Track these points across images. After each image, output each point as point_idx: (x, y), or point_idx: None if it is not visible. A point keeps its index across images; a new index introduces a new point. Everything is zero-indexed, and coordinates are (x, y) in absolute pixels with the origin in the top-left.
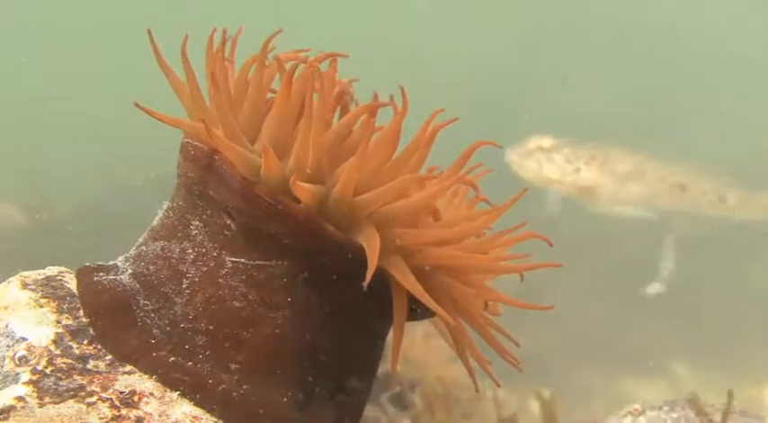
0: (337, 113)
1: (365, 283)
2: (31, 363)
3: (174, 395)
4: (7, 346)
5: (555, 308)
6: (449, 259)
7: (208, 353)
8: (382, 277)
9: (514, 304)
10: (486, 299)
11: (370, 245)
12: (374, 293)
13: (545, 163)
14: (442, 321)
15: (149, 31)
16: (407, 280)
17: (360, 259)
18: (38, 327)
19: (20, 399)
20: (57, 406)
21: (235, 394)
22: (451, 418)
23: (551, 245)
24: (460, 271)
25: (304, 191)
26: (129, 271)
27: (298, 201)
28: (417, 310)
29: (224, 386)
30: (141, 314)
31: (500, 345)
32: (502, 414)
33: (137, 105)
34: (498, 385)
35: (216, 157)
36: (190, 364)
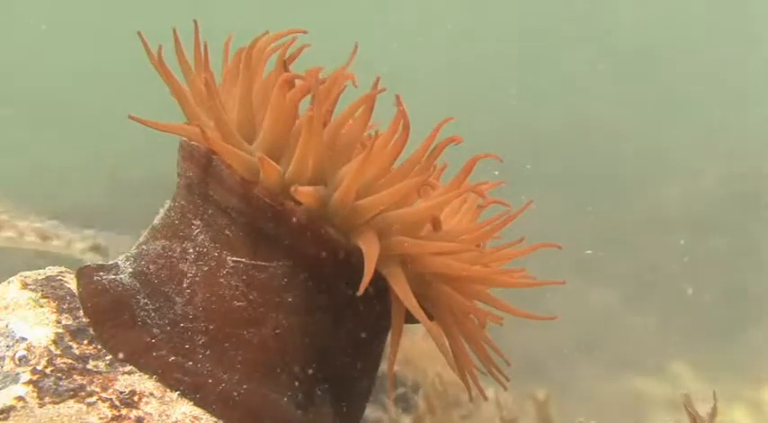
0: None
1: (358, 293)
2: (30, 363)
3: (174, 395)
4: (7, 346)
5: (558, 317)
6: (447, 269)
7: (208, 352)
8: (382, 279)
9: (518, 314)
10: (487, 314)
11: (368, 252)
12: (374, 295)
13: None
14: (431, 335)
15: (140, 34)
16: (402, 290)
17: (360, 263)
18: (38, 327)
19: (20, 399)
20: (57, 406)
21: (235, 394)
22: (451, 418)
23: (559, 247)
24: (459, 281)
25: (305, 195)
26: (130, 270)
27: (298, 202)
28: None
29: (224, 386)
30: (141, 314)
31: (491, 361)
32: (504, 416)
33: (131, 118)
34: (485, 399)
35: (214, 158)
36: (190, 363)
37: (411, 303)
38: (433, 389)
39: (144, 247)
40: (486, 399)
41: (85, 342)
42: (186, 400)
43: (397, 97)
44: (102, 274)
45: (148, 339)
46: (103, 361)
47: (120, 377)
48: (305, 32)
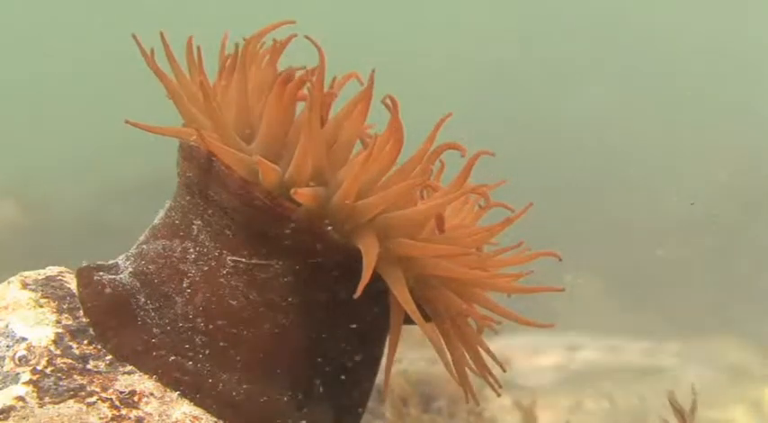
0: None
1: (356, 295)
2: (30, 363)
3: (174, 395)
4: (7, 346)
5: (556, 325)
6: (446, 271)
7: (208, 352)
8: (381, 281)
9: (516, 320)
10: (485, 318)
11: (367, 253)
12: (373, 296)
13: None
14: (427, 337)
15: (134, 36)
16: (400, 292)
17: (359, 264)
18: (38, 327)
19: (20, 399)
20: (57, 406)
21: (234, 394)
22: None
23: (560, 259)
24: (458, 283)
25: (305, 197)
26: (130, 269)
27: (298, 202)
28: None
29: (224, 386)
30: (141, 313)
31: (485, 367)
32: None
33: (128, 122)
34: (477, 404)
35: (213, 158)
36: (190, 363)
37: (409, 305)
38: (399, 391)
39: (144, 246)
40: (478, 404)
41: (85, 342)
42: (186, 400)
43: (392, 99)
44: (101, 273)
45: (148, 339)
46: (103, 361)
47: (120, 377)
48: (293, 23)
